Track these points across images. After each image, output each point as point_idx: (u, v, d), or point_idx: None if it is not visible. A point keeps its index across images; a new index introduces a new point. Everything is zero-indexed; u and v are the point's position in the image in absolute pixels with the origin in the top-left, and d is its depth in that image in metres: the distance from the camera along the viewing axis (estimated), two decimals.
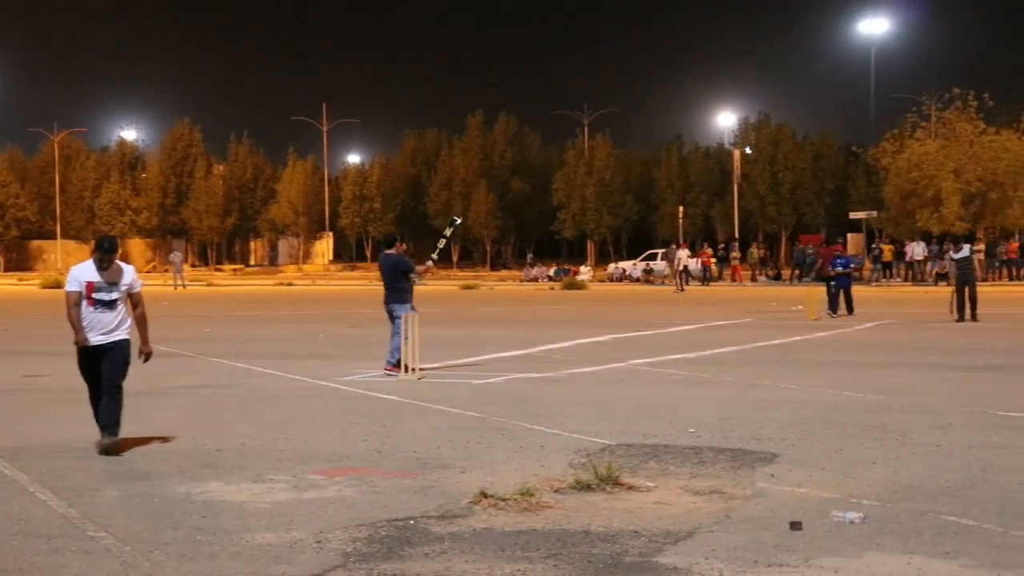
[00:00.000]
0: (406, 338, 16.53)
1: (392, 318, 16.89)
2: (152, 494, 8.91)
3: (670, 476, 9.38)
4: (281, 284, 63.00)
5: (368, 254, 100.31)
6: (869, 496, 8.52)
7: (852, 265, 31.13)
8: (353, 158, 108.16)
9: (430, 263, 18.81)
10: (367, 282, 57.29)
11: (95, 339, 10.47)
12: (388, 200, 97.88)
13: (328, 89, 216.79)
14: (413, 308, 16.96)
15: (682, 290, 49.53)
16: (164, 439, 11.26)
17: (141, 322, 10.88)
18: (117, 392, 10.59)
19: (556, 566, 6.84)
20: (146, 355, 10.87)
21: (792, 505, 8.27)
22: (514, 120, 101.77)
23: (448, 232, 19.18)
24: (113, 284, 10.53)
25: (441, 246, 19.11)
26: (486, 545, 7.31)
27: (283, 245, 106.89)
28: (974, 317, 26.74)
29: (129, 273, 10.79)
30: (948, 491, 8.70)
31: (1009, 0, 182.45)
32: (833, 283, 29.67)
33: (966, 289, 27.13)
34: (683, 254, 53.07)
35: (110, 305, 10.51)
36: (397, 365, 16.58)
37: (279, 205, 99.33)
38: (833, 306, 29.26)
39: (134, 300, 10.79)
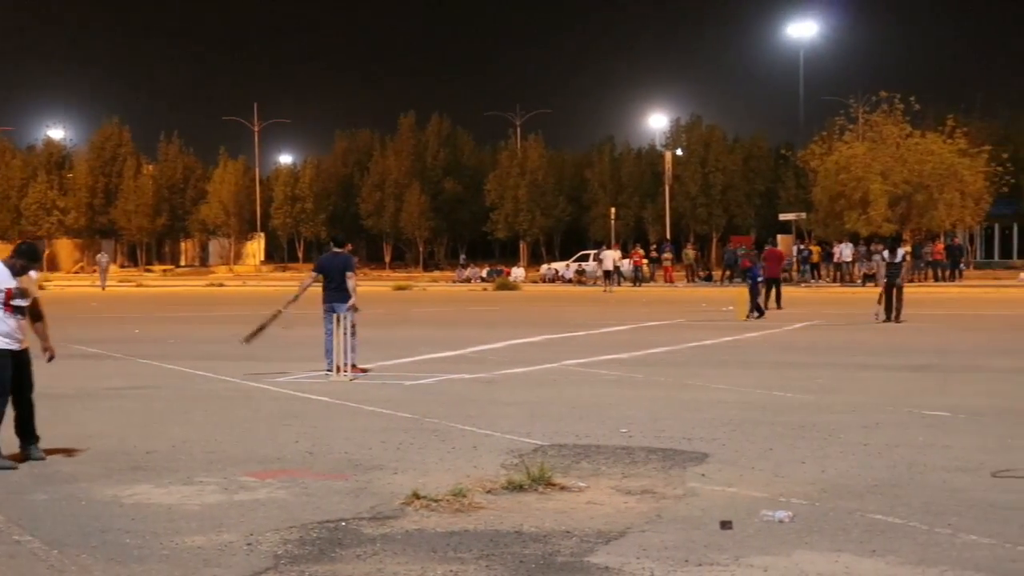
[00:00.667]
0: (352, 335, 16.68)
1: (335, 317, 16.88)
2: (80, 497, 8.81)
3: (602, 476, 9.42)
4: (212, 285, 62.53)
5: (300, 255, 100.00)
6: (798, 495, 8.61)
7: (758, 269, 31.29)
8: (285, 158, 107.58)
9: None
10: (299, 282, 56.78)
11: (17, 347, 10.28)
12: (320, 201, 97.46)
13: (260, 89, 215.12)
14: (355, 308, 17.09)
15: (610, 291, 49.89)
16: (91, 442, 11.13)
17: (44, 322, 10.63)
18: (32, 399, 10.49)
19: (488, 567, 6.84)
20: (51, 354, 10.65)
21: (722, 504, 8.33)
22: (447, 121, 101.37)
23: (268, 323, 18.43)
24: (27, 290, 10.33)
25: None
26: (418, 546, 7.30)
27: (214, 246, 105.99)
28: (898, 319, 27.18)
29: (34, 278, 10.69)
30: (875, 489, 8.80)
31: (934, 5, 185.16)
32: (751, 284, 30.04)
33: (893, 291, 27.62)
34: (613, 255, 53.52)
35: (23, 311, 10.32)
36: (354, 366, 16.71)
37: (210, 205, 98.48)
38: (757, 308, 29.54)
39: (34, 303, 10.55)
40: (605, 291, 50.36)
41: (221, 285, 61.85)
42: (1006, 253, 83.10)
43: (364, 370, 16.92)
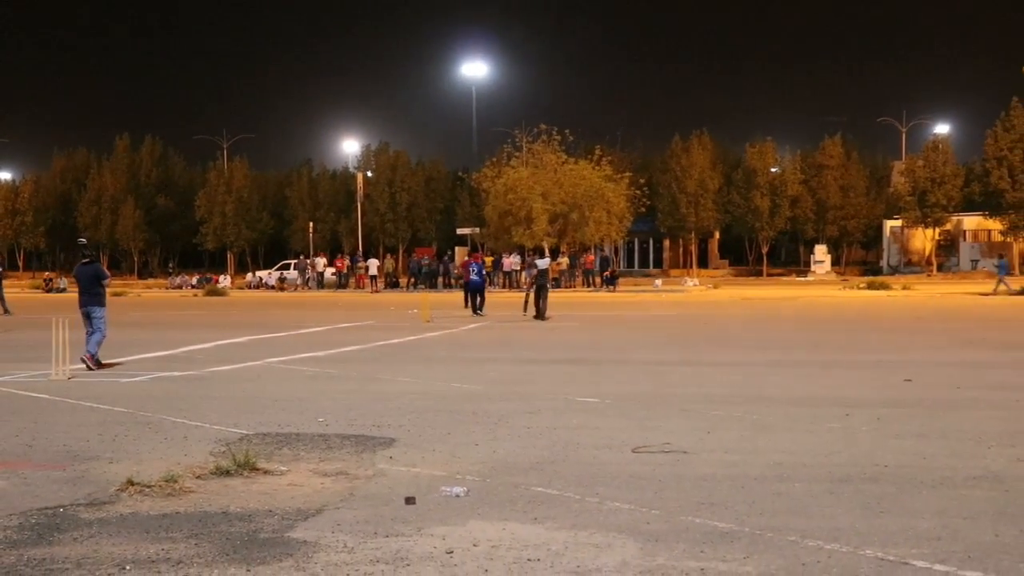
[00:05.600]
0: (91, 333, 16.93)
1: (90, 319, 17.06)
2: None
3: (301, 461, 9.35)
4: None
5: (20, 264, 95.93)
6: (472, 473, 8.76)
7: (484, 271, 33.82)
8: (4, 175, 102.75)
9: None
10: (20, 290, 54.19)
11: None
12: (39, 214, 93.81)
13: None
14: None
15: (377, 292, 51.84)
16: None
17: None
18: None
19: (197, 544, 6.69)
20: None
21: (407, 483, 8.40)
22: (159, 142, 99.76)
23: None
24: None
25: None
26: (132, 528, 7.07)
27: None
28: (543, 317, 28.12)
29: None
30: (537, 466, 9.04)
31: (582, 55, 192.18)
32: (469, 286, 32.66)
33: (540, 293, 28.61)
34: (321, 262, 54.83)
35: None
36: (93, 358, 16.75)
37: None
38: (473, 306, 31.67)
39: None
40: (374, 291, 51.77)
41: None
42: (644, 263, 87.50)
43: (109, 364, 16.96)
